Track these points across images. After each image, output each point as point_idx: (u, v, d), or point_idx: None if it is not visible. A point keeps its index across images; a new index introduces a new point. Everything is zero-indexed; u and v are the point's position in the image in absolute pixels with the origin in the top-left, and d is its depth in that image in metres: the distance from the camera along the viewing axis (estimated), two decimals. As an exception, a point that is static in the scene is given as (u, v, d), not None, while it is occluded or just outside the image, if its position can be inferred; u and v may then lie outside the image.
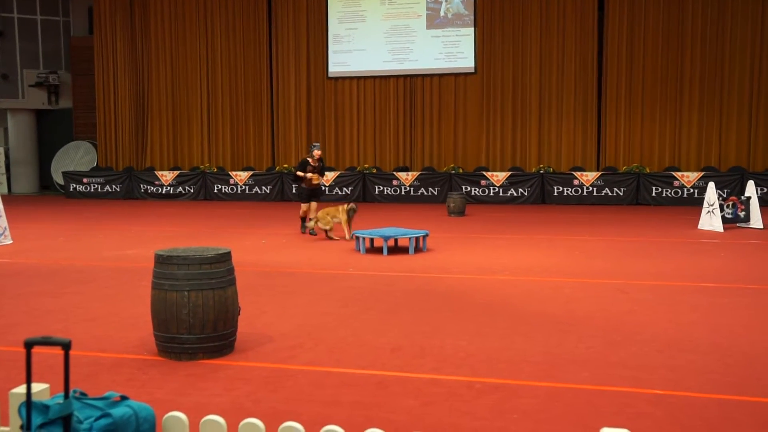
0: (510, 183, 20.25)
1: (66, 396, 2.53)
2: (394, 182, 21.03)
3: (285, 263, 10.36)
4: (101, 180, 23.33)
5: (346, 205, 12.96)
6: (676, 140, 20.61)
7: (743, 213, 13.70)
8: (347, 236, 12.70)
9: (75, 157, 25.67)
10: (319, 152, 13.45)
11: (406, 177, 20.96)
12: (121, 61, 24.68)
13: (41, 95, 26.31)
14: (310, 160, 13.39)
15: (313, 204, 13.38)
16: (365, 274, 9.49)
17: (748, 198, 13.79)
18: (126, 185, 23.07)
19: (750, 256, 10.69)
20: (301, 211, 13.61)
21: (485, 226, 14.78)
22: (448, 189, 20.22)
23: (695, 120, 20.38)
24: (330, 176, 21.41)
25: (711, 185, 13.81)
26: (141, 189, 22.90)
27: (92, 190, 23.34)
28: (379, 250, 11.36)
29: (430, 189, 20.76)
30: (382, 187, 21.08)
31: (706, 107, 20.29)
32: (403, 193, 20.94)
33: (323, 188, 13.92)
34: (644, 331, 6.43)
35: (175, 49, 24.20)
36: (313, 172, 13.26)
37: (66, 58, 26.60)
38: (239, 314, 5.99)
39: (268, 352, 5.90)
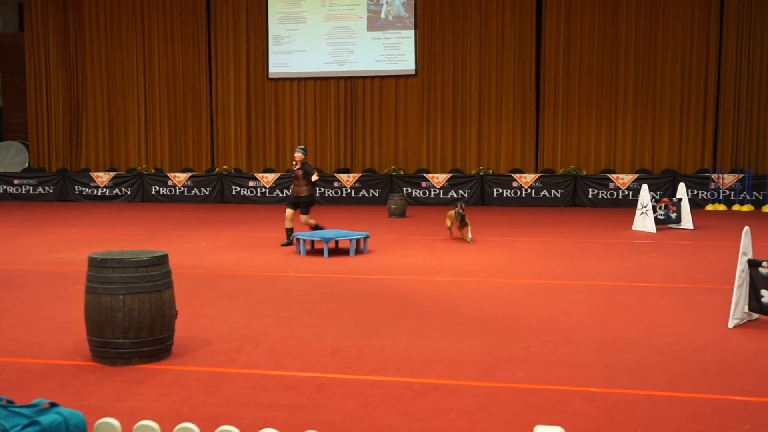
0: (450, 185, 20.42)
1: (-9, 404, 2.45)
2: (335, 184, 21.00)
3: (224, 266, 10.24)
4: (33, 181, 22.68)
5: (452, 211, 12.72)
6: (611, 143, 21.10)
7: (675, 214, 14.11)
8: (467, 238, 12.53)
9: (5, 157, 24.89)
10: (299, 155, 12.00)
11: (347, 179, 20.95)
12: (54, 60, 24.04)
13: (-31, 94, 25.46)
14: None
15: (290, 212, 12.08)
16: (305, 276, 9.45)
17: (680, 200, 14.21)
18: (59, 187, 22.48)
19: (681, 256, 11.01)
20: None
21: (426, 228, 14.87)
22: (389, 191, 20.30)
23: (629, 124, 20.90)
24: (270, 178, 21.25)
25: (644, 187, 14.18)
26: (75, 191, 22.35)
27: (24, 192, 22.67)
28: (320, 252, 11.32)
29: (371, 190, 20.79)
30: (323, 189, 21.02)
31: (639, 111, 20.83)
32: (344, 194, 20.92)
33: (307, 196, 12.12)
34: (579, 331, 6.57)
35: (110, 48, 23.68)
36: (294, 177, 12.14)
37: (-4, 56, 25.78)
38: (176, 318, 5.90)
39: (205, 356, 5.82)
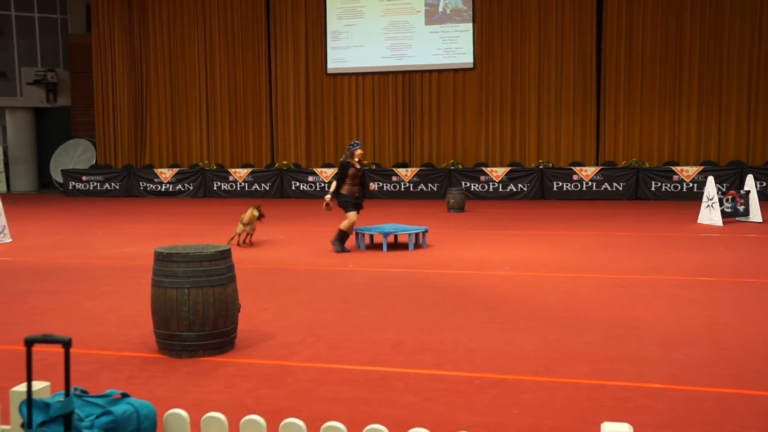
0: (509, 178, 20.24)
1: (67, 394, 2.54)
2: (394, 178, 21.02)
3: (284, 260, 10.36)
4: (100, 178, 23.31)
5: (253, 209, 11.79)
6: (675, 134, 20.60)
7: (742, 207, 13.70)
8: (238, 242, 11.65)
9: (74, 155, 25.66)
10: (361, 151, 11.21)
11: (406, 173, 20.95)
12: (120, 59, 24.65)
13: (39, 93, 26.28)
14: (351, 162, 11.03)
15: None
16: (365, 270, 9.50)
17: (748, 192, 13.80)
18: (125, 183, 23.06)
19: (749, 249, 10.70)
20: (347, 225, 11.01)
21: (485, 222, 14.77)
22: (448, 185, 20.21)
23: (694, 114, 20.37)
24: (329, 173, 21.41)
25: (710, 179, 13.81)
26: (140, 187, 22.89)
27: (91, 188, 23.33)
28: (379, 246, 11.36)
29: (430, 185, 20.75)
30: (381, 183, 21.07)
31: (704, 101, 20.28)
32: (402, 189, 20.93)
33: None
34: (643, 326, 6.44)
35: (173, 47, 24.17)
36: (355, 176, 10.99)
37: (64, 56, 26.57)
38: (239, 311, 6.00)
39: (268, 349, 5.91)
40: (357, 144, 11.25)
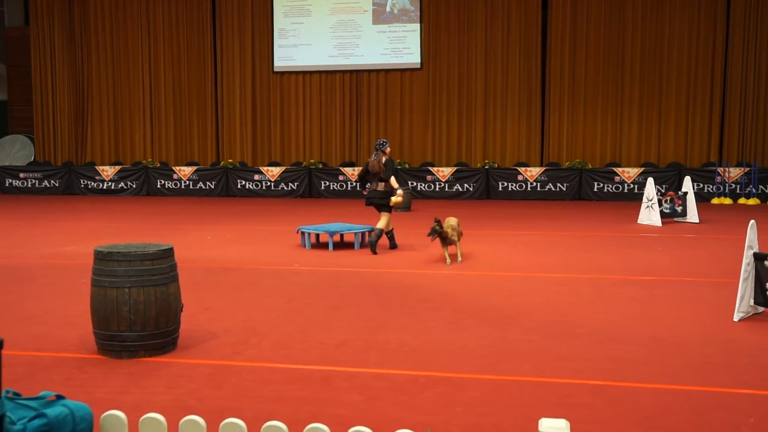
0: (455, 178, 20.40)
1: (-2, 396, 2.46)
2: (340, 177, 20.98)
3: (229, 259, 10.25)
4: (39, 175, 22.72)
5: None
6: (617, 136, 21.05)
7: (680, 208, 14.07)
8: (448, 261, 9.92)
9: (11, 151, 24.93)
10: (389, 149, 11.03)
11: (352, 172, 20.93)
12: (60, 53, 24.04)
13: (-25, 87, 25.49)
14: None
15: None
16: (311, 269, 9.46)
17: (685, 193, 14.17)
18: (65, 180, 22.52)
19: (686, 249, 10.99)
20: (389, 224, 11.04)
21: (430, 222, 14.82)
22: (394, 184, 20.25)
23: (635, 117, 20.85)
24: (275, 172, 21.26)
25: (650, 181, 14.14)
26: (81, 184, 22.38)
27: (29, 186, 22.71)
28: (325, 246, 11.33)
29: (376, 184, 20.74)
30: (327, 183, 21.01)
31: (645, 105, 20.77)
32: (349, 188, 20.90)
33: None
34: (584, 324, 6.56)
35: (115, 41, 23.68)
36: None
37: (0, 49, 25.78)
38: (182, 311, 5.91)
39: (211, 349, 5.83)
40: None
